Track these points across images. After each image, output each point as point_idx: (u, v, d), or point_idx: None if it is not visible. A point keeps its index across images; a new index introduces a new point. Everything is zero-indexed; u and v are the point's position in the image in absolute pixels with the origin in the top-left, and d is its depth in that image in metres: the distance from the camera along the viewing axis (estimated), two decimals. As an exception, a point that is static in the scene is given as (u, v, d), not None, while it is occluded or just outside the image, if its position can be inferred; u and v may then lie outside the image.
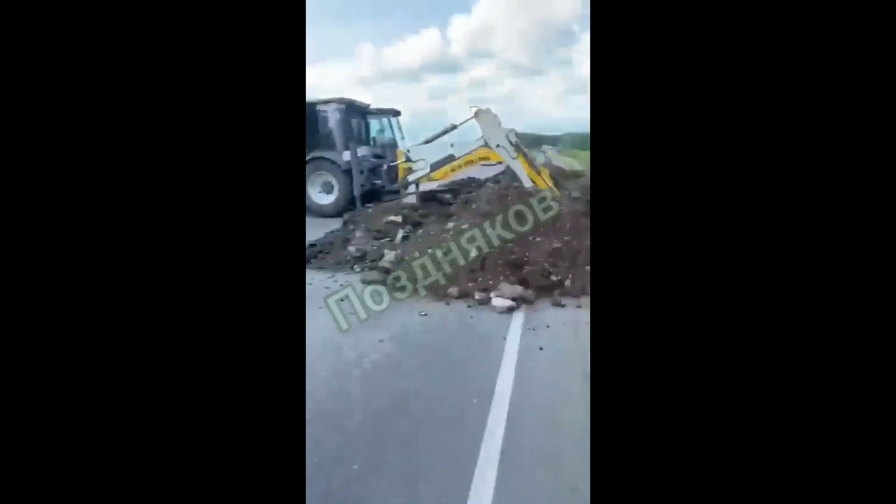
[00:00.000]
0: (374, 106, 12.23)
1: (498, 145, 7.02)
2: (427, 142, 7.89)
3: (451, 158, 7.31)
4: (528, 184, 7.07)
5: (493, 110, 7.32)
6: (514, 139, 7.13)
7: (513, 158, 7.06)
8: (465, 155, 8.39)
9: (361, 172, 10.27)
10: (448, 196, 10.29)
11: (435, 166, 7.50)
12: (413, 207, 8.99)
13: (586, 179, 8.35)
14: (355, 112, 11.65)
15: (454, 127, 7.42)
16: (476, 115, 6.98)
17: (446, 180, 9.66)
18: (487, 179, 13.47)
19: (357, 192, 10.08)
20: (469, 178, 13.77)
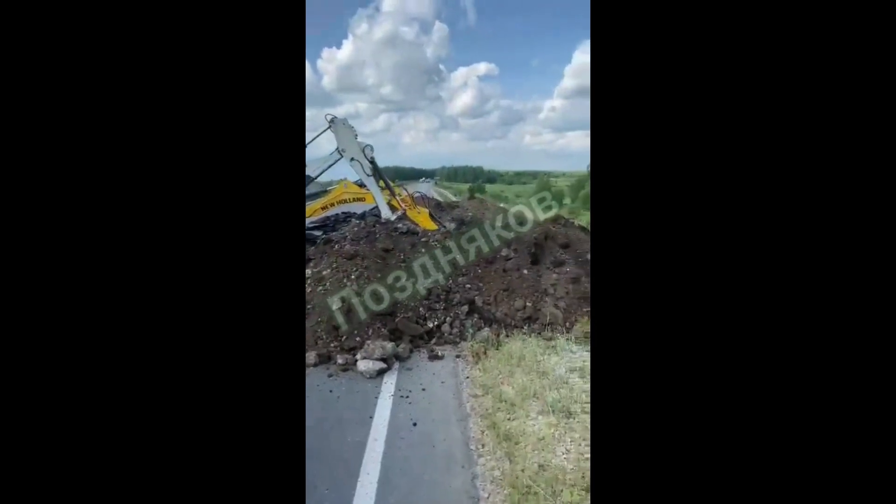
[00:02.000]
0: None
1: (353, 159, 6.40)
2: None
3: (308, 179, 6.58)
4: (385, 213, 6.58)
5: (370, 143, 6.79)
6: (371, 154, 6.49)
7: (367, 175, 6.44)
8: (335, 191, 7.73)
9: None
10: (318, 234, 9.35)
11: None
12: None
13: (461, 211, 8.25)
14: None
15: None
16: (331, 123, 6.37)
17: (316, 217, 8.82)
18: (364, 213, 12.77)
19: None
20: (343, 212, 12.93)
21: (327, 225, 11.07)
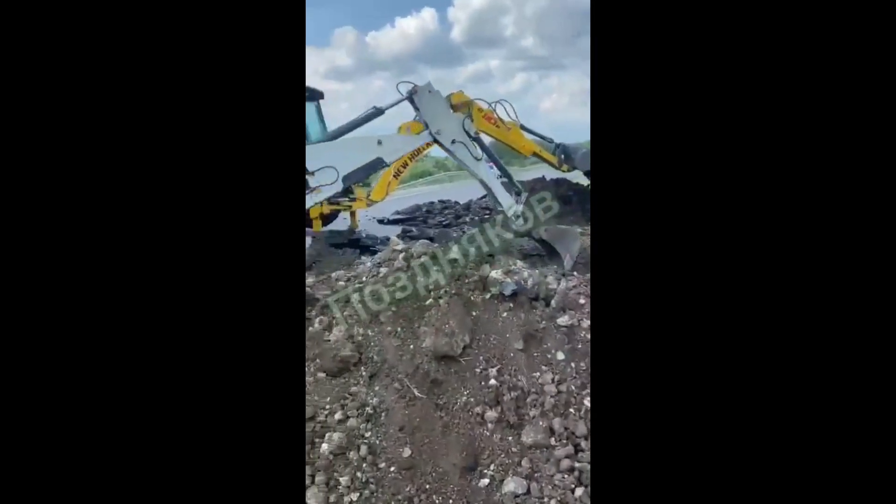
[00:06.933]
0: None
1: (454, 141, 3.87)
2: (334, 136, 4.75)
3: (379, 163, 3.58)
4: (511, 206, 4.03)
5: (502, 108, 5.04)
6: (473, 131, 4.07)
7: (477, 159, 4.07)
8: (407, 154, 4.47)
9: None
10: (398, 243, 4.32)
11: (349, 179, 3.34)
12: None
13: None
14: None
15: (380, 112, 4.35)
16: (413, 93, 3.74)
17: (391, 196, 5.93)
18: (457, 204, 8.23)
19: None
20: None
21: (415, 216, 6.81)
